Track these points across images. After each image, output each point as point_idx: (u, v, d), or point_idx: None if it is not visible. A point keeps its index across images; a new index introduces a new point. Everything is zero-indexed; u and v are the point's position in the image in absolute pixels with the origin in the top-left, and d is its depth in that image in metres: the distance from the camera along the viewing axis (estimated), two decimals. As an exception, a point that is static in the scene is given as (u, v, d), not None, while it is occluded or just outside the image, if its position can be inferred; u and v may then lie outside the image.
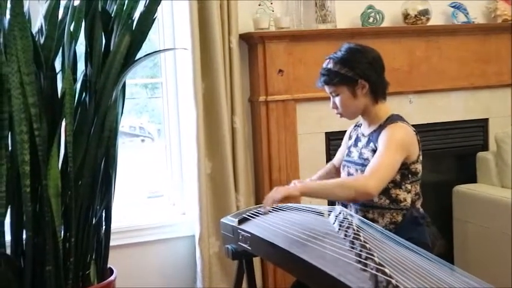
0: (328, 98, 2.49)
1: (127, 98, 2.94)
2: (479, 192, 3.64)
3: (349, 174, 2.48)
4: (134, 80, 3.59)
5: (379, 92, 2.41)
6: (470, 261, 3.66)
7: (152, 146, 3.88)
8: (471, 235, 3.65)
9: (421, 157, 2.41)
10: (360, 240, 1.87)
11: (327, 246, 1.88)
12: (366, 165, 2.32)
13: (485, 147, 3.99)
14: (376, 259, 1.70)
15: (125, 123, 3.75)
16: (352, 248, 1.85)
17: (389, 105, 2.48)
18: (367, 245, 1.81)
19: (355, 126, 2.62)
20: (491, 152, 3.85)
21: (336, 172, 2.71)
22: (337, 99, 2.42)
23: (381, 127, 2.39)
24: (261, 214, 2.41)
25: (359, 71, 2.36)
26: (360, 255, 1.76)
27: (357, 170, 2.42)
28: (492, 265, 3.51)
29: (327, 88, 2.44)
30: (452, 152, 3.99)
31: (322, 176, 2.70)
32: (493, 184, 3.72)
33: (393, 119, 2.41)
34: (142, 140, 3.98)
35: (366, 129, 2.49)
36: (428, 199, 3.91)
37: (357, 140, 2.52)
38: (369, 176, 2.23)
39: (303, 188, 2.28)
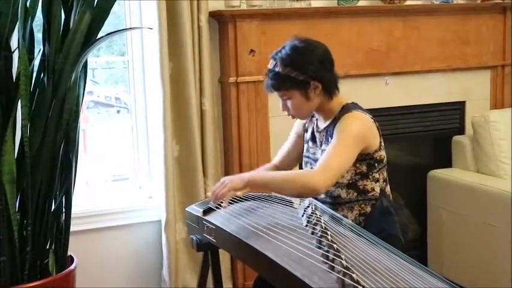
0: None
1: (103, 68, 2.84)
2: (453, 178, 3.56)
3: None
4: (97, 58, 3.43)
5: (332, 88, 2.27)
6: (444, 248, 3.61)
7: (128, 118, 3.72)
8: (445, 221, 3.59)
9: (383, 143, 2.29)
10: (328, 240, 1.77)
11: (293, 245, 1.79)
12: None
13: (461, 130, 3.91)
14: (343, 262, 1.60)
15: (101, 93, 3.62)
16: (319, 247, 1.76)
17: (344, 93, 2.33)
18: (335, 245, 1.72)
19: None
20: (467, 136, 3.77)
21: None
22: (289, 102, 2.27)
23: (336, 119, 2.25)
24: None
25: (311, 72, 2.20)
26: (327, 256, 1.67)
27: None
28: (465, 252, 3.46)
29: (276, 93, 2.28)
30: (428, 135, 3.90)
31: None
32: (468, 169, 3.65)
33: (348, 108, 2.26)
34: (118, 111, 3.88)
35: (321, 124, 2.35)
36: (405, 183, 3.88)
37: (313, 135, 2.39)
38: (320, 172, 2.08)
39: (249, 182, 2.13)
